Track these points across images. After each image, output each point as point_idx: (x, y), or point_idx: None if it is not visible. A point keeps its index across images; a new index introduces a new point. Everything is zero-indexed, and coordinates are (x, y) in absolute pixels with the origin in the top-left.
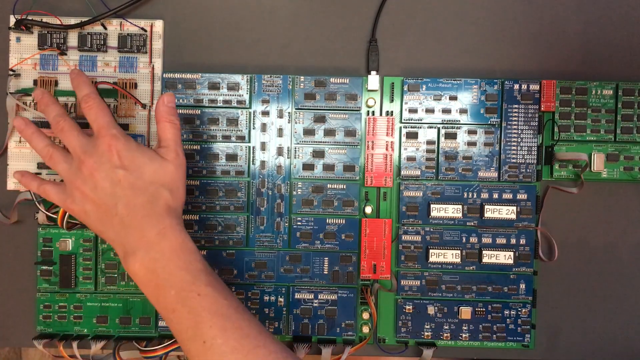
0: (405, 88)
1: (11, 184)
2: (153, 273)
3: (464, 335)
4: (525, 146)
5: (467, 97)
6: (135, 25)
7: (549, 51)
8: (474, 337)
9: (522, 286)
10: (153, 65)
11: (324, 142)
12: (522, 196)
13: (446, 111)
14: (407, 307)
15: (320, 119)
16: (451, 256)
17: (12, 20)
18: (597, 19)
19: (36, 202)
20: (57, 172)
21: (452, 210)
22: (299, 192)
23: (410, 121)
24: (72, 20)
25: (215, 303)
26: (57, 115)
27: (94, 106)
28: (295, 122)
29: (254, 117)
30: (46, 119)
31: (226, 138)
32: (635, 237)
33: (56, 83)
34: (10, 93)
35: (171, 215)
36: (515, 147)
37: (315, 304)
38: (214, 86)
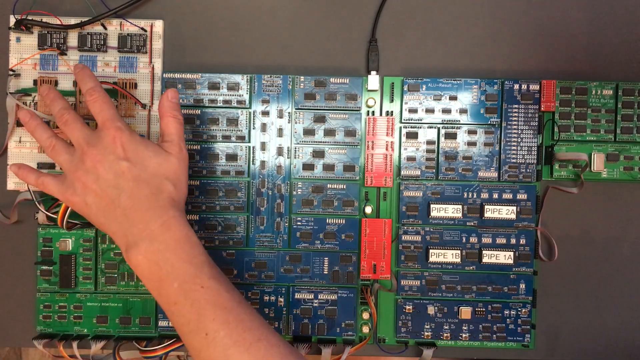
0: (405, 88)
1: (11, 184)
2: (156, 265)
3: (464, 335)
4: (525, 146)
5: (467, 97)
6: (135, 25)
7: (549, 51)
8: (474, 337)
9: (522, 286)
10: (153, 65)
11: (324, 142)
12: (522, 196)
13: (446, 111)
14: (407, 307)
15: (320, 119)
16: (451, 256)
17: (12, 20)
18: (597, 19)
19: (36, 202)
20: (59, 164)
21: (452, 210)
22: (299, 192)
23: (410, 121)
24: (72, 20)
25: (218, 296)
26: (62, 109)
27: (99, 99)
28: (295, 122)
29: (254, 117)
30: (49, 119)
31: (226, 138)
32: (636, 236)
33: (56, 83)
34: (10, 93)
35: (175, 207)
36: (515, 147)
37: (315, 304)
38: (214, 86)
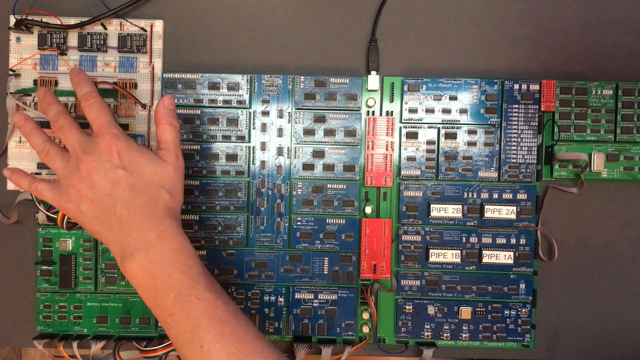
0: (405, 88)
1: (11, 184)
2: (152, 275)
3: (464, 335)
4: (525, 146)
5: (467, 97)
6: (135, 25)
7: (549, 51)
8: (474, 337)
9: (522, 286)
10: (153, 65)
11: (324, 142)
12: (522, 196)
13: (446, 111)
14: (407, 307)
15: (320, 119)
16: (451, 256)
17: (12, 20)
18: (597, 19)
19: (36, 202)
20: (53, 170)
21: (452, 210)
22: (299, 192)
23: (410, 121)
24: (72, 20)
25: (214, 308)
26: (57, 113)
27: (94, 105)
28: (295, 122)
29: (254, 117)
30: (47, 119)
31: (226, 138)
32: (635, 236)
33: (56, 83)
34: (10, 93)
35: (171, 217)
36: (515, 147)
37: (315, 304)
38: (214, 86)
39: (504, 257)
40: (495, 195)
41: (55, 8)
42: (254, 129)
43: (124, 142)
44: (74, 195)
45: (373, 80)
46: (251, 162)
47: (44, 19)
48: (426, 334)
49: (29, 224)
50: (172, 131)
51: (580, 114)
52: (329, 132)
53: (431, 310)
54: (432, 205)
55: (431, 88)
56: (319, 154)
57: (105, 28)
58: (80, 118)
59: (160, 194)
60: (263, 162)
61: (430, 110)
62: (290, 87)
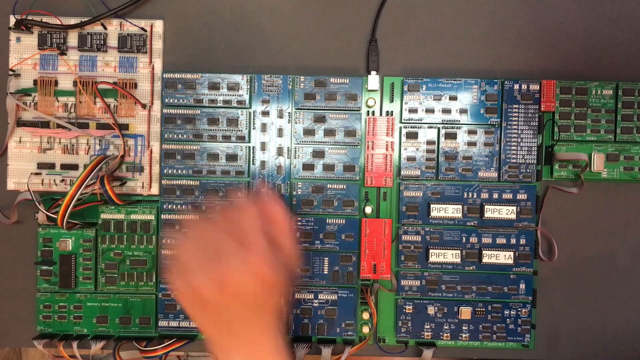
0: (405, 88)
1: (11, 184)
2: None
3: (464, 335)
4: (525, 146)
5: (467, 97)
6: (135, 25)
7: (549, 51)
8: (474, 337)
9: (522, 286)
10: (153, 65)
11: (324, 142)
12: (522, 196)
13: (446, 111)
14: (407, 307)
15: (320, 119)
16: (451, 256)
17: (12, 20)
18: (597, 19)
19: (36, 202)
20: (187, 229)
21: (452, 210)
22: (299, 192)
23: (410, 121)
24: (72, 20)
25: None
26: (252, 201)
27: (247, 209)
28: (295, 122)
29: (254, 117)
30: (49, 119)
31: (226, 138)
32: (635, 237)
33: (56, 83)
34: (10, 93)
35: (279, 325)
36: (515, 147)
37: (315, 304)
38: (214, 86)
39: (504, 257)
40: (495, 195)
41: (55, 8)
42: (254, 129)
43: (271, 261)
44: (189, 281)
45: (373, 80)
46: (251, 162)
47: (44, 19)
48: (426, 334)
49: (29, 224)
50: (293, 234)
51: (580, 114)
52: (329, 132)
53: (431, 310)
54: (432, 205)
55: (431, 88)
56: (319, 154)
57: (105, 28)
58: (81, 118)
59: (278, 303)
60: (263, 162)
61: (430, 110)
62: (290, 87)
